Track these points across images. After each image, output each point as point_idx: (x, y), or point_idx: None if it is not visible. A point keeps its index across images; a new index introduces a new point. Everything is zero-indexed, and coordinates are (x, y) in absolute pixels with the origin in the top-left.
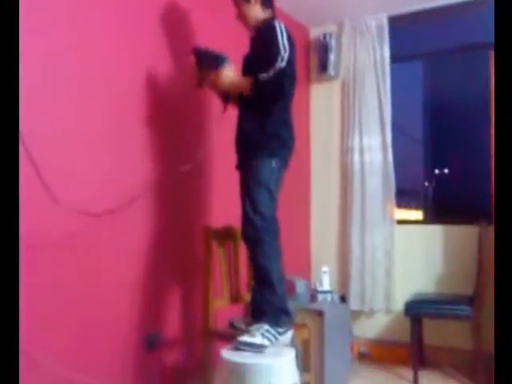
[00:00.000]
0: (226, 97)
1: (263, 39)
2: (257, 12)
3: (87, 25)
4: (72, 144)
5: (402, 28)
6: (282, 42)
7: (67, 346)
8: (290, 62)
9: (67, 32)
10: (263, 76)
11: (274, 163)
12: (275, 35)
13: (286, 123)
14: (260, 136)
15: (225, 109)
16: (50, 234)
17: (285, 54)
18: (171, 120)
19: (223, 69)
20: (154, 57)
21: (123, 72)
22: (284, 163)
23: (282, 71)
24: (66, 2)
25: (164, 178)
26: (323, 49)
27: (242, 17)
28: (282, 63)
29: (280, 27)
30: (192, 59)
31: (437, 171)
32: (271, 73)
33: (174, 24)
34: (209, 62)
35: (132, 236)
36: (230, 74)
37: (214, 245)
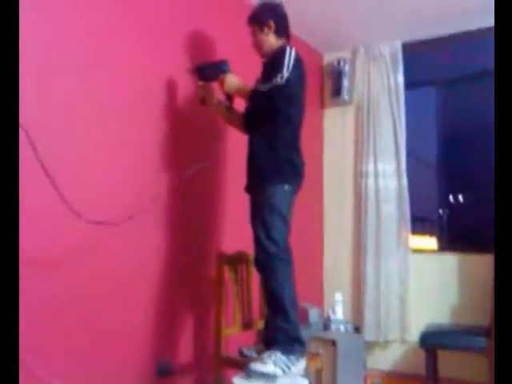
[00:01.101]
0: (230, 98)
1: (272, 60)
2: (271, 41)
3: (108, 34)
4: (86, 158)
5: (415, 54)
6: (288, 63)
7: (77, 368)
8: (291, 82)
9: (89, 41)
10: (261, 88)
11: (286, 188)
12: (283, 56)
13: (297, 148)
14: (271, 161)
15: (230, 107)
16: (60, 252)
17: (286, 73)
18: (187, 133)
19: (227, 74)
20: (174, 68)
21: (141, 83)
22: (295, 189)
23: (278, 88)
24: (93, 10)
25: (176, 195)
26: (337, 74)
27: (256, 45)
28: (280, 80)
29: (290, 51)
30: (195, 77)
31: (451, 198)
32: (267, 87)
33: (196, 37)
34: (211, 72)
35: (144, 260)
36: (235, 78)
37: (227, 270)
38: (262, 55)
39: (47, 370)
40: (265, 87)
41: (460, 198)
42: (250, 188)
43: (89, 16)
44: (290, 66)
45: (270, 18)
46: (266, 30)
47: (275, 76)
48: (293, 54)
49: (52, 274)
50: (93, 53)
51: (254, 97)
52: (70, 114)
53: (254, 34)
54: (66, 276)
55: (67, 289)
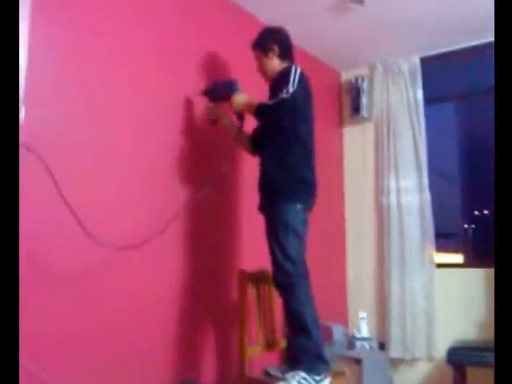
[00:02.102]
0: (241, 117)
1: (278, 79)
2: (274, 64)
3: (124, 50)
4: (101, 179)
5: (434, 68)
6: (293, 80)
7: None
8: (297, 98)
9: (102, 56)
10: (267, 102)
11: (298, 206)
12: (288, 74)
13: (308, 163)
14: (282, 180)
15: (242, 126)
16: (79, 268)
17: (291, 88)
18: (202, 152)
19: (236, 93)
20: (191, 87)
21: (157, 104)
22: (308, 207)
23: (284, 102)
24: (110, 28)
25: (193, 214)
26: (355, 91)
27: (261, 69)
28: (285, 95)
29: (295, 70)
30: (205, 99)
31: (476, 213)
32: (273, 101)
33: (211, 56)
34: (220, 92)
35: (164, 280)
36: (243, 95)
37: (249, 288)
38: (267, 79)
39: None
40: (270, 102)
41: (485, 212)
42: (263, 207)
43: (108, 34)
44: (295, 82)
45: (273, 42)
46: (270, 54)
47: (281, 91)
48: (298, 72)
49: (71, 296)
50: (110, 73)
51: (259, 111)
52: (85, 136)
53: (258, 58)
54: (85, 298)
55: (86, 310)
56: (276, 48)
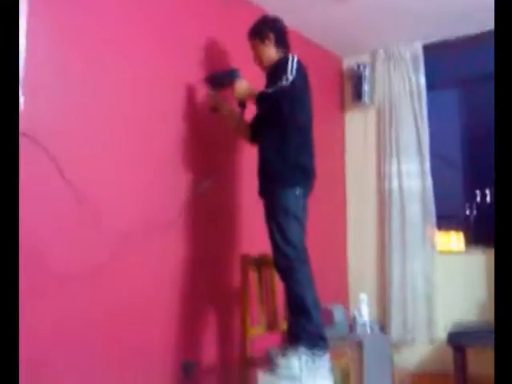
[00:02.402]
0: (242, 104)
1: (275, 67)
2: (271, 53)
3: (124, 37)
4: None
5: (437, 55)
6: (291, 68)
7: (102, 371)
8: (296, 85)
9: (102, 43)
10: (267, 90)
11: (297, 191)
12: (286, 63)
13: (307, 150)
14: (281, 165)
15: (243, 113)
16: (86, 257)
17: (290, 76)
18: (205, 141)
19: (238, 80)
20: (188, 71)
21: (155, 86)
22: (306, 192)
23: (283, 90)
24: (112, 16)
25: (196, 202)
26: (357, 78)
27: (257, 58)
28: (285, 82)
29: (293, 58)
30: (206, 87)
31: (478, 197)
32: (274, 89)
33: (211, 43)
34: (221, 80)
35: (168, 261)
36: (244, 83)
37: (251, 272)
38: (263, 67)
39: (71, 372)
40: (270, 89)
41: (487, 196)
42: (263, 192)
43: (108, 22)
44: (294, 70)
45: (269, 30)
46: (266, 42)
47: (280, 79)
48: (295, 60)
49: (77, 281)
50: (110, 62)
51: (260, 99)
52: (85, 124)
53: (254, 47)
54: (91, 282)
55: (93, 294)
56: (272, 36)
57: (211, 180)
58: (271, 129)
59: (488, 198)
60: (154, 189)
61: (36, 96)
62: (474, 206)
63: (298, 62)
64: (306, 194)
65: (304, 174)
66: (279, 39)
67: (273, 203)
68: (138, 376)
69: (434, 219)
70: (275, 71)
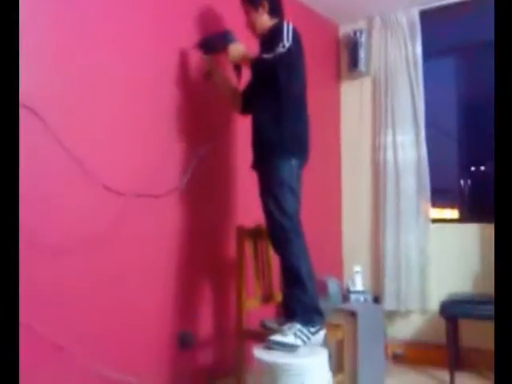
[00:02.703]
0: (238, 68)
1: (270, 34)
2: (264, 20)
3: (116, 5)
4: (99, 134)
5: (434, 22)
6: (287, 34)
7: (100, 341)
8: (292, 52)
9: (96, 12)
10: (264, 56)
11: (293, 162)
12: (281, 30)
13: (303, 121)
14: (276, 135)
15: (238, 77)
16: (82, 229)
17: (286, 43)
18: (200, 109)
19: (231, 43)
20: (186, 41)
21: (153, 58)
22: (302, 163)
23: (281, 57)
24: None
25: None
26: (353, 45)
27: (250, 25)
28: (282, 49)
29: (287, 26)
30: (199, 51)
31: (473, 169)
32: (271, 55)
33: (207, 11)
34: (215, 43)
35: (164, 236)
36: (239, 46)
37: (247, 244)
38: (256, 35)
39: (70, 343)
40: (268, 55)
41: (482, 168)
42: (257, 164)
43: None
44: (290, 36)
45: None
46: (260, 9)
47: (277, 45)
48: (290, 27)
49: (74, 251)
50: (104, 29)
51: (257, 64)
52: (85, 96)
53: (247, 13)
54: (88, 253)
55: (89, 265)
56: (266, 4)
57: (210, 145)
58: (267, 97)
59: (483, 170)
60: (150, 158)
61: (34, 68)
62: (469, 178)
63: (294, 30)
64: (301, 165)
65: (300, 145)
66: (273, 7)
67: (268, 174)
68: (135, 347)
69: (428, 192)
70: (270, 38)
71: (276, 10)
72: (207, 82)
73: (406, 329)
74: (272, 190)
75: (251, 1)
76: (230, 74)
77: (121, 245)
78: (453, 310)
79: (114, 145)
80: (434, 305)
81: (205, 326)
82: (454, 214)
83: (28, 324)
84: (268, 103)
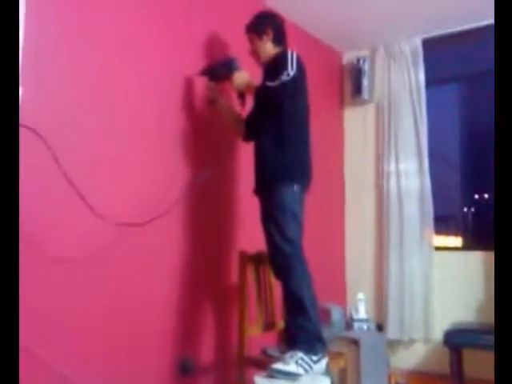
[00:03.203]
0: (242, 96)
1: (275, 62)
2: (268, 48)
3: (125, 29)
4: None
5: (437, 50)
6: (291, 63)
7: (98, 366)
8: (296, 80)
9: (103, 36)
10: (268, 84)
11: (295, 187)
12: (285, 59)
13: (305, 147)
14: (279, 161)
15: (243, 104)
16: (82, 248)
17: (291, 71)
18: (204, 134)
19: (236, 71)
20: (188, 63)
21: (159, 85)
22: (304, 188)
23: (285, 85)
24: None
25: (194, 196)
26: (357, 73)
27: (254, 53)
28: (286, 77)
29: (292, 54)
30: (204, 79)
31: (476, 196)
32: (276, 83)
33: (212, 37)
34: (220, 71)
35: (166, 261)
36: (244, 74)
37: (249, 270)
38: (260, 62)
39: (66, 368)
40: (273, 84)
41: (485, 196)
42: (260, 190)
43: (107, 14)
44: (294, 65)
45: (268, 26)
46: (264, 38)
47: (281, 74)
48: (295, 55)
49: (74, 274)
50: (110, 54)
51: (261, 92)
52: (86, 116)
53: (251, 41)
54: (87, 276)
55: (89, 288)
56: (270, 32)
57: (211, 171)
58: (270, 124)
59: (487, 198)
60: (152, 181)
61: (36, 87)
62: (473, 206)
63: (298, 58)
64: (303, 191)
65: (302, 171)
66: (277, 36)
67: (270, 200)
68: (135, 373)
69: (431, 219)
70: (275, 66)
71: (280, 39)
72: (211, 108)
73: (409, 358)
74: (274, 216)
75: (255, 29)
76: (235, 101)
77: (120, 269)
78: (457, 340)
79: (117, 167)
80: (437, 334)
81: (206, 352)
82: (457, 241)
83: (26, 346)
84: (271, 130)
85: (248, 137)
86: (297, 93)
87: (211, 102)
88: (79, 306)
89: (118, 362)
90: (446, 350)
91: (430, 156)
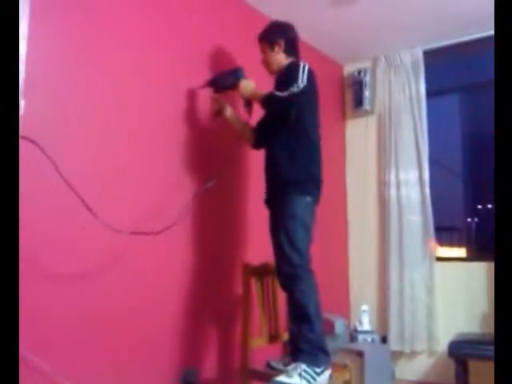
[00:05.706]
0: (249, 104)
1: (286, 73)
2: (280, 59)
3: (126, 41)
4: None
5: (437, 61)
6: (302, 76)
7: (102, 375)
8: (306, 93)
9: (105, 48)
10: (276, 93)
11: (308, 199)
12: (297, 70)
13: (317, 160)
14: (293, 172)
15: (249, 113)
16: (86, 259)
17: (301, 83)
18: (209, 147)
19: (242, 80)
20: (192, 76)
21: (158, 91)
22: (316, 201)
23: (294, 96)
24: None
25: (199, 208)
26: (358, 84)
27: (266, 62)
28: (296, 89)
29: (303, 66)
30: (209, 90)
31: (480, 207)
32: (285, 94)
33: (214, 50)
34: (226, 81)
35: (169, 272)
36: (250, 82)
37: (253, 282)
38: (271, 72)
39: (70, 380)
40: (282, 94)
41: (488, 206)
42: (271, 200)
43: (109, 26)
44: (305, 77)
45: (280, 36)
46: (276, 48)
47: (291, 85)
48: (306, 67)
49: (78, 286)
50: (111, 66)
51: (269, 101)
52: (87, 130)
53: (263, 51)
54: (93, 288)
55: (94, 300)
56: (282, 43)
57: (215, 180)
58: (281, 135)
59: (490, 208)
60: (157, 193)
61: (36, 99)
62: (476, 216)
63: (310, 71)
64: (315, 203)
65: (315, 183)
66: (289, 46)
67: (282, 209)
68: (136, 381)
69: (432, 229)
70: (286, 76)
71: (292, 49)
72: (216, 120)
73: (413, 370)
74: (285, 224)
75: (268, 39)
76: (241, 109)
77: (125, 281)
78: (462, 351)
79: (120, 180)
80: (441, 345)
81: (209, 364)
82: (461, 252)
83: (24, 356)
84: (282, 141)
85: (258, 144)
86: (306, 104)
87: (216, 114)
88: (82, 320)
89: (121, 375)
90: (451, 361)
91: (433, 166)
